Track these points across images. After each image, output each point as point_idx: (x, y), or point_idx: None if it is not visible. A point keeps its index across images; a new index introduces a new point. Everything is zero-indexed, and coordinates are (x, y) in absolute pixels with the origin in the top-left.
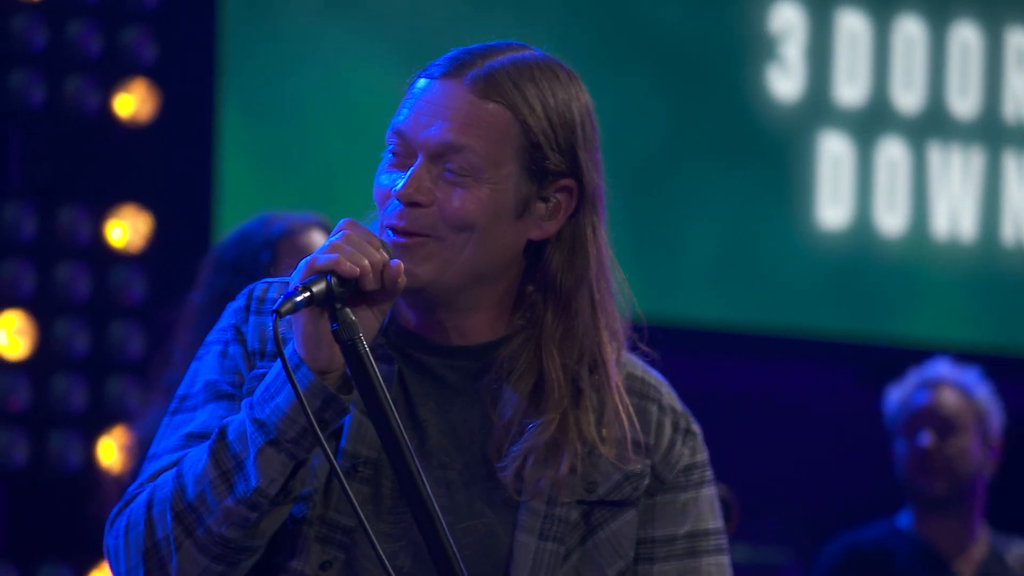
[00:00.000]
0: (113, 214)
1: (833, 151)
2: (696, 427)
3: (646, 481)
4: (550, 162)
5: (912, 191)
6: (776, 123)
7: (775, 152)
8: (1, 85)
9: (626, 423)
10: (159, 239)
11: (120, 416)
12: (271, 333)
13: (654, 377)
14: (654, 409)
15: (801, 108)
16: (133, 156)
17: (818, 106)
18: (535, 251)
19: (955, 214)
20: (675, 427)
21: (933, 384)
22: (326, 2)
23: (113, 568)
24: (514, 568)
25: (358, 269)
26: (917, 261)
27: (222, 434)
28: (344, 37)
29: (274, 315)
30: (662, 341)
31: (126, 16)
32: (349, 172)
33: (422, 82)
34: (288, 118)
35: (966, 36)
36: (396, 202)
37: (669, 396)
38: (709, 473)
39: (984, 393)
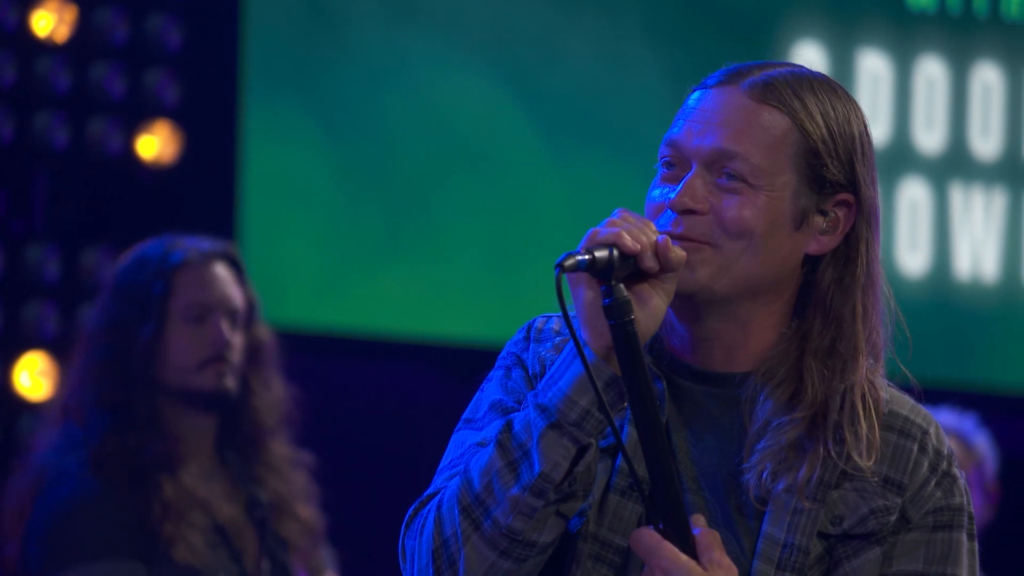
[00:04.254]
0: None
1: None
2: (957, 472)
3: (892, 518)
4: (829, 172)
5: (934, 231)
6: None
7: None
8: (26, 127)
9: (866, 429)
10: None
11: None
12: (549, 358)
13: (922, 416)
14: (914, 448)
15: None
16: (156, 197)
17: None
18: (810, 268)
19: (977, 255)
20: (932, 468)
21: None
22: (383, 22)
23: (407, 569)
24: None
25: (639, 245)
26: (939, 301)
27: (508, 426)
28: (402, 51)
29: (557, 270)
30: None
31: (149, 59)
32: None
33: (696, 94)
34: (317, 155)
35: (988, 77)
36: (670, 212)
37: (935, 438)
38: (965, 521)
39: (982, 440)
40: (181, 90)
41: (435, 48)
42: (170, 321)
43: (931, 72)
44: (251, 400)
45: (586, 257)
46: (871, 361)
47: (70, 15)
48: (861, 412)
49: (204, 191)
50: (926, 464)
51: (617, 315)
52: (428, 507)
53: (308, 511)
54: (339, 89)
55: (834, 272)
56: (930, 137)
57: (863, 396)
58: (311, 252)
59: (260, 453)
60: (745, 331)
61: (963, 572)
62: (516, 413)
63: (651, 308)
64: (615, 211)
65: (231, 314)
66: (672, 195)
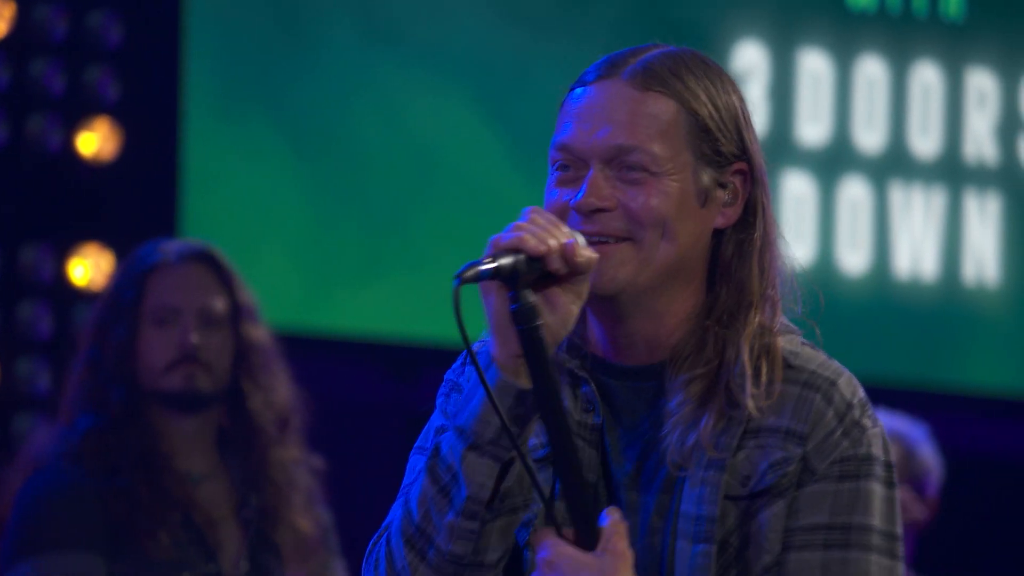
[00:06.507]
0: (76, 252)
1: (795, 190)
2: (869, 422)
3: (791, 468)
4: (723, 145)
5: (874, 230)
6: None
7: None
8: None
9: (760, 381)
10: None
11: None
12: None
13: (831, 370)
14: (817, 398)
15: (763, 147)
16: (96, 194)
17: (780, 145)
18: (715, 241)
19: (917, 253)
20: (839, 417)
21: None
22: (353, 42)
23: None
24: None
25: (544, 247)
26: (879, 300)
27: (436, 450)
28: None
29: (456, 281)
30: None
31: (89, 55)
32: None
33: (578, 91)
34: (257, 154)
35: (927, 77)
36: (575, 215)
37: (845, 388)
38: (877, 469)
39: (928, 452)
40: (121, 87)
41: (407, 70)
42: (141, 324)
43: (871, 72)
44: (245, 403)
45: (488, 267)
46: (769, 315)
47: (9, 11)
48: (749, 362)
49: (144, 189)
50: (831, 413)
51: (524, 321)
52: (381, 541)
53: (305, 521)
54: (304, 100)
55: (735, 240)
56: (870, 136)
57: (756, 348)
58: (264, 250)
59: (257, 458)
60: (663, 321)
61: (874, 520)
62: (443, 436)
63: (561, 312)
64: (524, 211)
65: (204, 316)
66: (578, 197)
